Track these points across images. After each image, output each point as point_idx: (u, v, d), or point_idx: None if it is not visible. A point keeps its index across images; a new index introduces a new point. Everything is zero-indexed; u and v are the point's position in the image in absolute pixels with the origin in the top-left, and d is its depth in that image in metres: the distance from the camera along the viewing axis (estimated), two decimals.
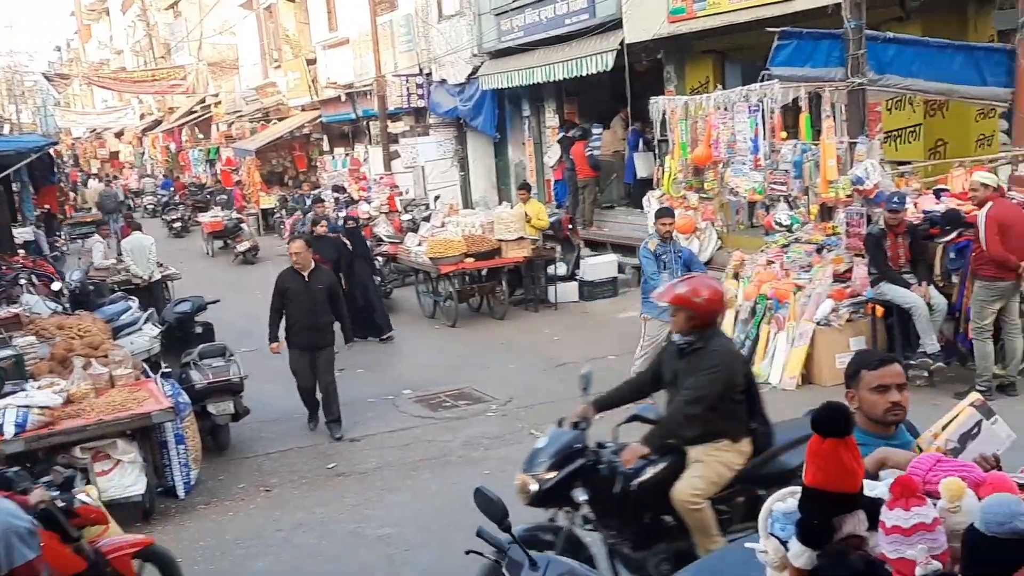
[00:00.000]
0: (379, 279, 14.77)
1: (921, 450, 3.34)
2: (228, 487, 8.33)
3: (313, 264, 9.53)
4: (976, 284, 8.65)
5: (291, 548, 7.03)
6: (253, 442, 9.39)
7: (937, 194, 9.93)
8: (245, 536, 7.30)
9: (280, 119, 32.64)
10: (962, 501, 2.71)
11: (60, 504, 4.96)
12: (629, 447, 5.16)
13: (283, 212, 25.71)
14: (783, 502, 2.97)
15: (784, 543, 2.75)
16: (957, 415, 3.40)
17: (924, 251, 9.23)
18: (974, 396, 3.49)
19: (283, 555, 6.94)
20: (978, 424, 3.35)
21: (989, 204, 8.41)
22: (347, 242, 13.59)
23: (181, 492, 8.05)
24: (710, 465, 5.07)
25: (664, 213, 9.65)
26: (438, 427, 9.48)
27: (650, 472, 5.15)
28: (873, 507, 2.70)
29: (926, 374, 8.99)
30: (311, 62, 29.15)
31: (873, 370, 3.39)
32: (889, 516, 2.61)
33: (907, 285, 9.02)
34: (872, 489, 2.83)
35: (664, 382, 5.46)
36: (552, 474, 5.06)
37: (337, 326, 9.75)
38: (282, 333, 9.58)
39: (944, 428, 3.37)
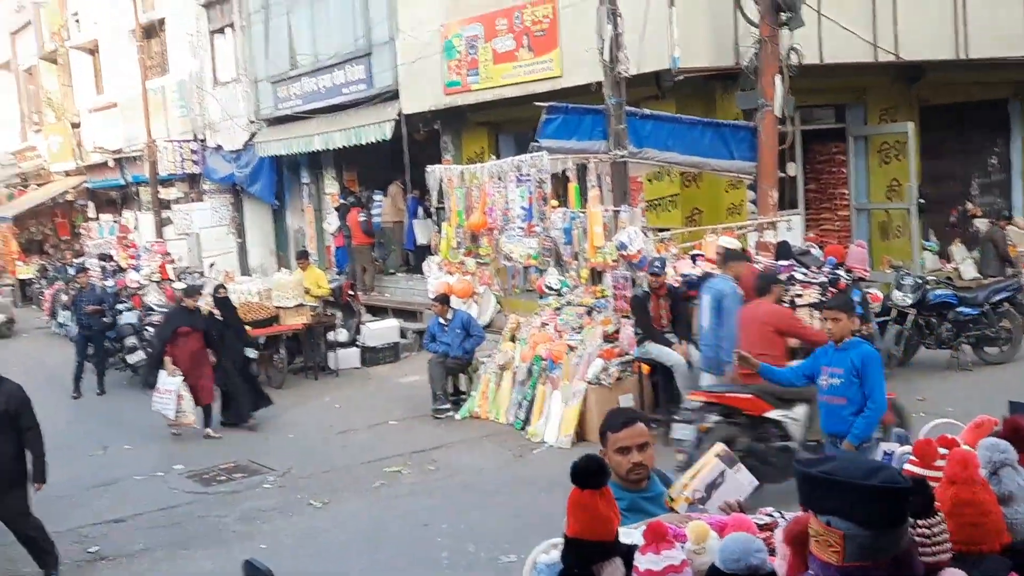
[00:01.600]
0: (253, 352, 12.92)
1: (672, 499, 3.56)
2: None
3: None
4: None
5: None
6: (2, 529, 8.66)
7: (693, 259, 10.64)
8: None
9: (41, 184, 30.86)
10: (706, 543, 2.91)
11: None
12: None
13: (43, 282, 24.17)
14: (546, 554, 3.09)
15: None
16: (704, 466, 3.65)
17: (683, 312, 9.85)
18: (718, 447, 3.75)
19: None
20: (722, 473, 3.61)
21: None
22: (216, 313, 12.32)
23: None
24: None
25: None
26: (212, 502, 9.11)
27: None
28: (629, 553, 2.86)
29: None
30: (76, 126, 27.86)
31: (616, 432, 3.45)
32: (642, 561, 2.76)
33: (669, 344, 9.59)
34: (628, 537, 3.00)
35: None
36: None
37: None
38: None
39: (693, 478, 3.61)
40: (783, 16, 11.15)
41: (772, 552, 2.72)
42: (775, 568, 2.59)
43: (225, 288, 13.34)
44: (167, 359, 11.33)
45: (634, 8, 11.11)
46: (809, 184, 14.67)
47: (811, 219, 14.57)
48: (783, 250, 10.53)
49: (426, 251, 15.63)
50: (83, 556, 7.98)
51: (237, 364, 12.08)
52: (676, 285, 10.02)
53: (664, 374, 9.74)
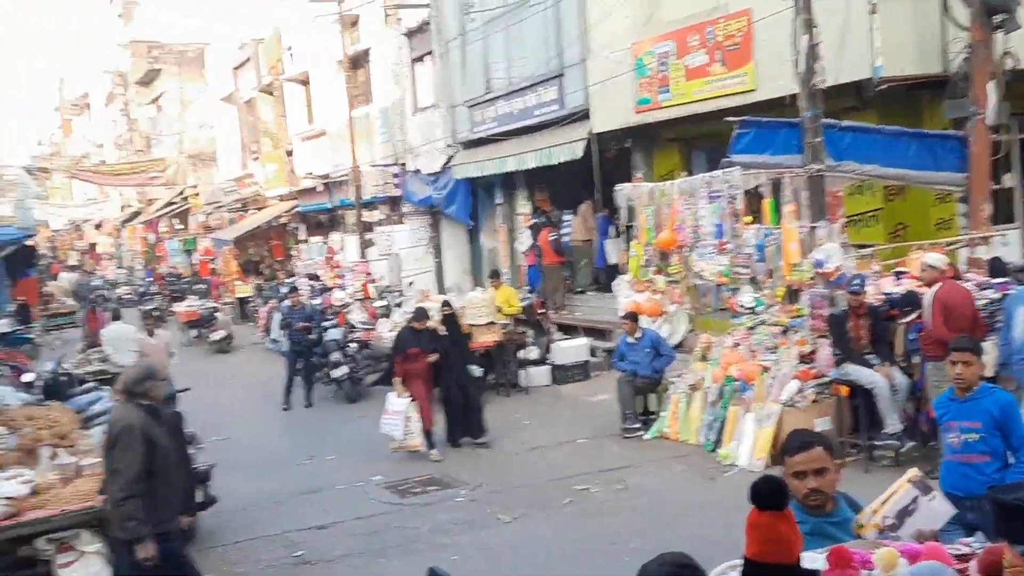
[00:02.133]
0: (479, 369, 12.88)
1: (861, 527, 3.40)
2: None
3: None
4: (927, 365, 8.79)
5: None
6: (220, 531, 9.27)
7: (897, 276, 10.14)
8: None
9: (258, 209, 32.97)
10: (895, 571, 2.77)
11: None
12: None
13: (259, 300, 25.76)
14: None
15: None
16: (895, 491, 3.47)
17: (885, 332, 9.38)
18: (912, 472, 3.56)
19: None
20: (915, 500, 3.42)
21: (937, 285, 8.62)
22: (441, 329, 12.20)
23: None
24: None
25: None
26: (406, 513, 9.42)
27: None
28: None
29: (892, 454, 9.07)
30: (289, 153, 29.59)
31: (792, 456, 3.37)
32: None
33: (870, 365, 9.15)
34: (812, 561, 2.90)
35: None
36: None
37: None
38: None
39: (883, 504, 3.44)
40: (996, 19, 10.47)
41: None
42: None
43: (450, 304, 12.94)
44: (396, 380, 11.38)
45: (833, 17, 10.75)
46: None
47: None
48: (996, 266, 9.85)
49: (616, 270, 15.62)
50: (289, 559, 8.44)
51: (465, 384, 11.90)
52: (877, 304, 9.57)
53: (865, 397, 9.30)
